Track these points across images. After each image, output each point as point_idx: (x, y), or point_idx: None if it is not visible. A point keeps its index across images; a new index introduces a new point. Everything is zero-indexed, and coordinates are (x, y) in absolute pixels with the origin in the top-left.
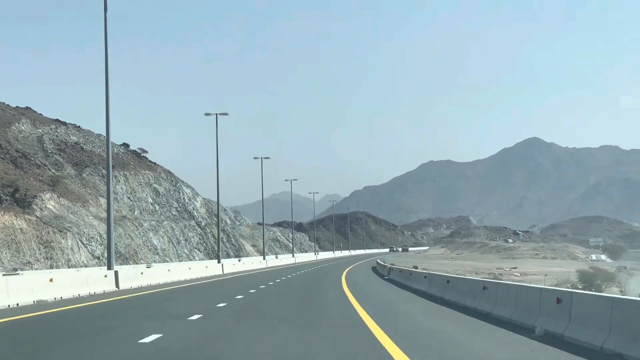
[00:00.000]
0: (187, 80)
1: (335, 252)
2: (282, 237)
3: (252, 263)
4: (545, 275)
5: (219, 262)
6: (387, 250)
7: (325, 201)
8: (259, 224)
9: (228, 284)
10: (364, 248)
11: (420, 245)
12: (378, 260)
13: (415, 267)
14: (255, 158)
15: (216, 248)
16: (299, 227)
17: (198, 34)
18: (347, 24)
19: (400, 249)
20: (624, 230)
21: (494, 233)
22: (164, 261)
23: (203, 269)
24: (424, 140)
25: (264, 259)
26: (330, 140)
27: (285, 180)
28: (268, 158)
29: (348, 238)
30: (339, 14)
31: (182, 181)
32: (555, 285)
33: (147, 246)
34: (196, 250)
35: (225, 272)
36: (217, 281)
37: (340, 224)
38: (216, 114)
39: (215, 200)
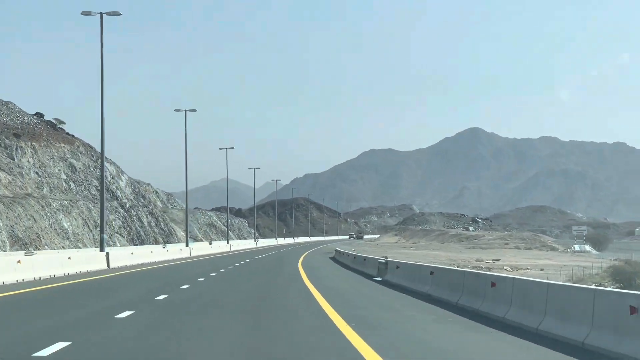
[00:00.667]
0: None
1: (277, 239)
2: (219, 222)
3: (167, 252)
4: (542, 269)
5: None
6: (334, 238)
7: (265, 188)
8: (195, 208)
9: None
10: (308, 235)
11: (365, 233)
12: (338, 249)
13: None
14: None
15: (142, 233)
16: (238, 213)
17: None
18: (290, 11)
19: (354, 237)
20: (568, 220)
21: (451, 220)
22: (76, 247)
23: None
24: (366, 129)
25: (187, 245)
26: (271, 128)
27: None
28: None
29: (292, 224)
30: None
31: (105, 157)
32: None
33: (55, 229)
34: (118, 235)
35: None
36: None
37: (281, 211)
38: (185, 110)
39: (144, 181)
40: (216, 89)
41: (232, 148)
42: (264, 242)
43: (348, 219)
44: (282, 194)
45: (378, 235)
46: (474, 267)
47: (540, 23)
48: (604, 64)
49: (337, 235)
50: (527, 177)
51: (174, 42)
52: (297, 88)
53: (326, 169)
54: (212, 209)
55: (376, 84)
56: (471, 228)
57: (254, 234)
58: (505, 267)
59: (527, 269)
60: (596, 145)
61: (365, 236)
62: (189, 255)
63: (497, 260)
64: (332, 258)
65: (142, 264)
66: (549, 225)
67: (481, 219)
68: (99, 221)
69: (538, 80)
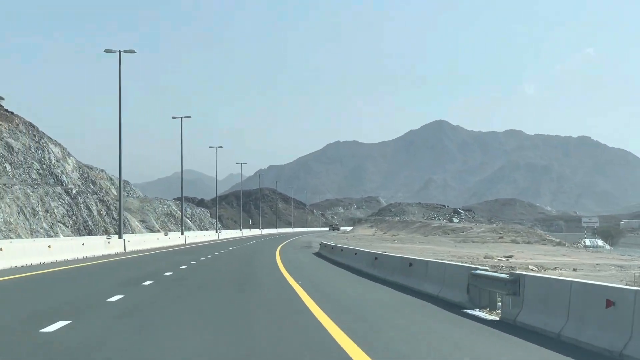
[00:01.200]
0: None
1: (242, 230)
2: (179, 212)
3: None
4: (574, 269)
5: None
6: (303, 230)
7: (229, 180)
8: (154, 198)
9: None
10: (274, 227)
11: (334, 226)
12: (324, 242)
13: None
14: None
15: (91, 223)
16: (200, 204)
17: None
18: (260, 4)
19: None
20: (538, 213)
21: (430, 211)
22: (8, 238)
23: None
24: (331, 121)
25: (120, 237)
26: (234, 118)
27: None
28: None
29: (257, 216)
30: None
31: (50, 138)
32: None
33: None
34: (60, 224)
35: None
36: None
37: (246, 202)
38: (181, 117)
39: (98, 167)
40: (182, 81)
41: (189, 117)
42: (227, 234)
43: (315, 211)
44: (246, 185)
45: (351, 228)
46: (492, 267)
47: (506, 18)
48: (568, 59)
49: (304, 227)
50: (493, 170)
51: (141, 26)
52: (262, 79)
53: (290, 160)
54: (174, 199)
55: (342, 76)
56: (455, 220)
57: (216, 225)
58: (530, 267)
59: (556, 268)
60: (561, 139)
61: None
62: (122, 251)
63: (510, 257)
64: (320, 255)
65: None
66: (518, 219)
67: (463, 210)
68: (37, 208)
69: (504, 74)
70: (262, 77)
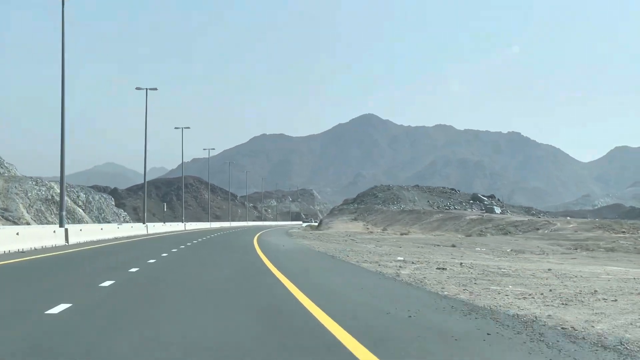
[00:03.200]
0: None
1: (156, 224)
2: (68, 198)
3: None
4: None
5: None
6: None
7: (151, 174)
8: (29, 178)
9: None
10: (203, 221)
11: (265, 219)
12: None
13: None
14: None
15: None
16: (113, 193)
17: None
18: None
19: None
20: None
21: (437, 197)
22: None
23: None
24: (257, 113)
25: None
26: (157, 110)
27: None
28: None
29: (179, 208)
30: None
31: None
32: None
33: None
34: None
35: None
36: None
37: (166, 191)
38: (146, 89)
39: None
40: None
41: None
42: (135, 230)
43: (246, 203)
44: (169, 177)
45: (317, 221)
46: None
47: (432, 12)
48: (494, 56)
49: (234, 220)
50: (424, 165)
51: None
52: (186, 67)
53: (215, 153)
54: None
55: (270, 68)
56: (497, 209)
57: (121, 217)
58: None
59: None
60: (491, 134)
61: (294, 223)
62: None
63: None
64: None
65: None
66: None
67: (486, 196)
68: None
69: (430, 69)
70: (188, 65)
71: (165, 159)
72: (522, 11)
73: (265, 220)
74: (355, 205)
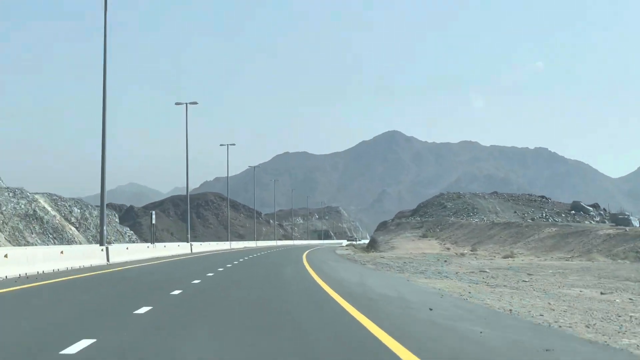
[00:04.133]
0: None
1: (166, 245)
2: (53, 211)
3: None
4: None
5: None
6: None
7: (174, 194)
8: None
9: None
10: (219, 238)
11: (291, 238)
12: None
13: None
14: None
15: None
16: (129, 211)
17: None
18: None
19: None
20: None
21: (525, 207)
22: None
23: None
24: (280, 131)
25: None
26: (178, 131)
27: None
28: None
29: (199, 227)
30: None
31: None
32: None
33: None
34: None
35: None
36: None
37: (185, 209)
38: (186, 104)
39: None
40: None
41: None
42: (117, 256)
43: (271, 221)
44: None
45: (364, 241)
46: None
47: (456, 30)
48: (518, 72)
49: (259, 239)
50: (449, 182)
51: None
52: (207, 87)
53: (238, 172)
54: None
55: (291, 85)
56: (634, 221)
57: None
58: None
59: None
60: (518, 150)
61: (337, 241)
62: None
63: None
64: None
65: None
66: None
67: (590, 205)
68: None
69: (453, 86)
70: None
71: (190, 175)
72: (545, 26)
73: (292, 239)
74: (419, 219)
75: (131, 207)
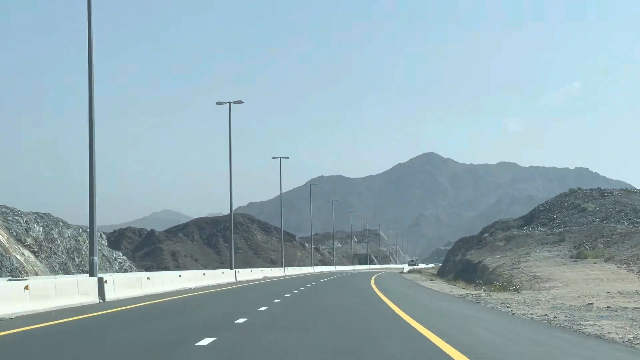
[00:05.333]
0: None
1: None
2: (27, 233)
3: None
4: None
5: None
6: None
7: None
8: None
9: None
10: (250, 265)
11: (328, 263)
12: None
13: None
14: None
15: None
16: (150, 235)
17: None
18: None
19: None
20: None
21: None
22: None
23: None
24: (314, 155)
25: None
26: (207, 156)
27: None
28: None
29: (224, 251)
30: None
31: None
32: None
33: None
34: None
35: None
36: None
37: (211, 232)
38: (229, 102)
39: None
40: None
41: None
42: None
43: (306, 244)
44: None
45: (428, 264)
46: None
47: (489, 51)
48: (554, 93)
49: (292, 264)
50: (488, 204)
51: None
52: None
53: (272, 197)
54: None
55: (324, 105)
56: None
57: (116, 263)
58: None
59: None
60: (558, 171)
61: (392, 265)
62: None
63: None
64: None
65: None
66: None
67: None
68: None
69: (489, 108)
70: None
71: (223, 201)
72: (581, 46)
73: (332, 264)
74: (544, 229)
75: (152, 232)
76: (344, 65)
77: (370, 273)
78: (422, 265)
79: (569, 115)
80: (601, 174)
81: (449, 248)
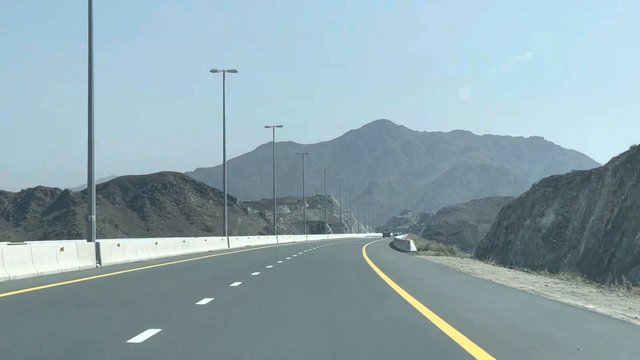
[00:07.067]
0: None
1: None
2: None
3: None
4: None
5: None
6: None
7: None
8: None
9: None
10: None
11: (278, 232)
12: None
13: None
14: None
15: None
16: (63, 196)
17: None
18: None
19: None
20: None
21: None
22: None
23: None
24: (265, 121)
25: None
26: (156, 119)
27: None
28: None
29: (151, 215)
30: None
31: None
32: None
33: None
34: None
35: None
36: None
37: (136, 193)
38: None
39: None
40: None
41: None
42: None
43: (249, 209)
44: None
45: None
46: None
47: (444, 20)
48: (506, 63)
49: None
50: (442, 172)
51: None
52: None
53: (220, 163)
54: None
55: (275, 72)
56: None
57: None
58: None
59: None
60: (512, 139)
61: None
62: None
63: None
64: None
65: None
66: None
67: None
68: None
69: (443, 77)
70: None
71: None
72: (534, 16)
73: (279, 233)
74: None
75: (66, 192)
76: (297, 32)
77: (345, 251)
78: (401, 236)
79: (522, 84)
80: (556, 143)
81: (405, 217)
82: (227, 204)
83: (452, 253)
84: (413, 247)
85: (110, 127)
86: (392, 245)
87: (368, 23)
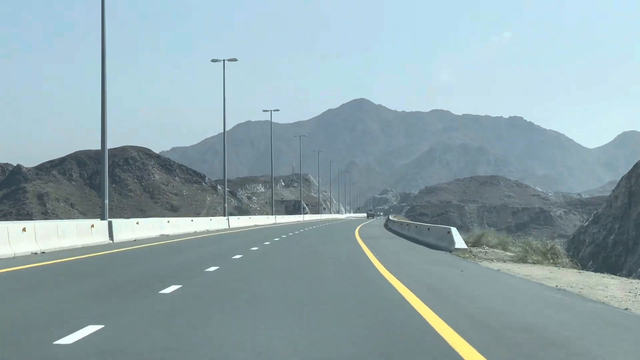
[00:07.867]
0: None
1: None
2: None
3: None
4: None
5: None
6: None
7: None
8: None
9: None
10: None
11: (245, 212)
12: None
13: None
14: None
15: None
16: (15, 173)
17: None
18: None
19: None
20: (530, 196)
21: None
22: None
23: None
24: (241, 98)
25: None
26: (135, 96)
27: None
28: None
29: (116, 192)
30: None
31: None
32: None
33: None
34: None
35: None
36: None
37: (95, 170)
38: (224, 60)
39: None
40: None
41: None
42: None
43: (219, 186)
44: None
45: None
46: None
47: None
48: (485, 43)
49: (201, 212)
50: (421, 152)
51: None
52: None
53: (196, 142)
54: None
55: (254, 49)
56: None
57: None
58: None
59: None
60: (492, 119)
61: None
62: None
63: None
64: None
65: None
66: (514, 203)
67: None
68: None
69: (420, 55)
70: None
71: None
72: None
73: (247, 212)
74: None
75: (18, 168)
76: (276, 12)
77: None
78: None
79: (501, 64)
80: (535, 123)
81: (384, 197)
82: (195, 182)
83: (553, 257)
84: (460, 242)
85: (91, 101)
86: (395, 231)
87: (346, 2)
